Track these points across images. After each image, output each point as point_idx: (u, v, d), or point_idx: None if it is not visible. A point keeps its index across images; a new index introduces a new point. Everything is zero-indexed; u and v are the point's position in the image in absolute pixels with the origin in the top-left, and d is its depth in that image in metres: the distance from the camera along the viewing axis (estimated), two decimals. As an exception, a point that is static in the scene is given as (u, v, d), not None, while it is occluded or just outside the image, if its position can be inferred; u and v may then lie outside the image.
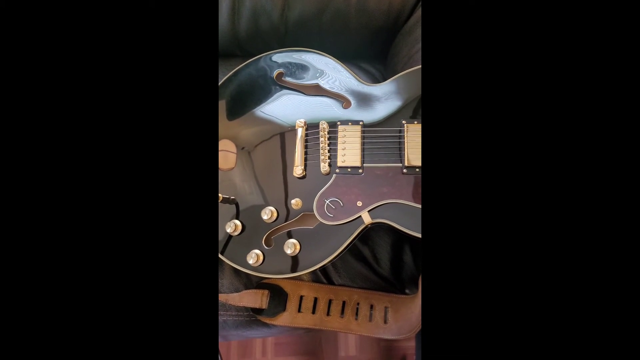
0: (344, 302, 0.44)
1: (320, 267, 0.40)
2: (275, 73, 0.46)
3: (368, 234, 0.47)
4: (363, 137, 0.42)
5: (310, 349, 0.78)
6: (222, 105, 0.46)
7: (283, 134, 0.44)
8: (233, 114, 0.46)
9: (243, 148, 0.44)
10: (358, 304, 0.44)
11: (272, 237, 0.41)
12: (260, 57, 0.47)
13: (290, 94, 0.45)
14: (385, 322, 0.44)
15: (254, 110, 0.45)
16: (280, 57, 0.47)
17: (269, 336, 0.71)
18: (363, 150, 0.41)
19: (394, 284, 0.47)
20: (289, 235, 0.41)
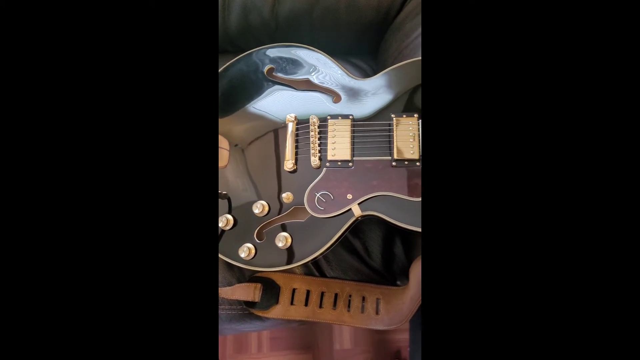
0: (336, 295, 0.45)
1: (312, 260, 0.40)
2: (266, 68, 0.46)
3: (359, 227, 0.48)
4: (353, 131, 0.42)
5: (306, 343, 0.78)
6: None
7: (276, 130, 0.44)
8: (225, 110, 0.46)
9: (236, 145, 0.44)
10: (350, 296, 0.45)
11: (263, 230, 0.41)
12: (251, 53, 0.47)
13: (281, 89, 0.45)
14: (377, 313, 0.44)
15: (246, 106, 0.45)
16: (271, 52, 0.47)
17: (262, 330, 0.72)
18: (353, 144, 0.42)
19: (385, 275, 0.48)
20: (281, 228, 0.41)
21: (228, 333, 0.56)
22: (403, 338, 0.76)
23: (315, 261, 0.46)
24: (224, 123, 0.45)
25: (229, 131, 0.45)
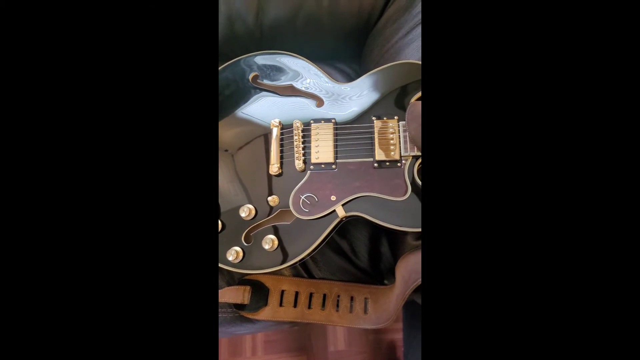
0: (324, 295, 0.46)
1: (299, 261, 0.41)
2: (251, 75, 0.47)
3: (346, 228, 0.49)
4: (335, 134, 0.43)
5: (300, 345, 0.79)
6: None
7: (265, 135, 0.45)
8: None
9: (226, 150, 0.45)
10: (339, 296, 0.46)
11: (251, 234, 0.42)
12: (237, 61, 0.49)
13: (266, 95, 0.47)
14: (365, 312, 0.45)
15: (234, 112, 0.47)
16: (256, 60, 0.48)
17: (254, 332, 0.72)
18: (336, 146, 0.43)
19: (372, 275, 0.48)
20: (267, 231, 0.42)
21: (220, 336, 0.56)
22: (397, 338, 0.77)
23: (303, 262, 0.47)
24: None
25: (219, 137, 0.46)
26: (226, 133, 0.46)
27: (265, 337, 0.79)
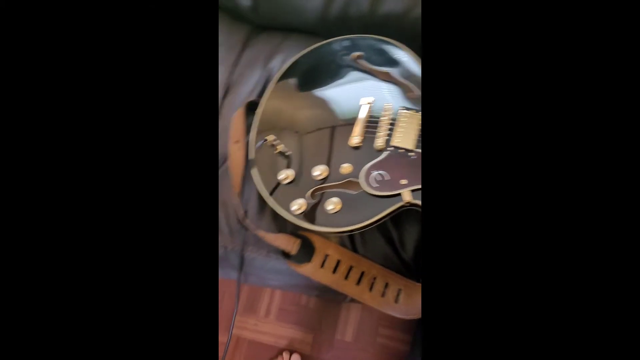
0: (362, 272, 0.47)
1: (351, 232, 0.43)
2: (354, 54, 0.51)
3: (400, 218, 0.50)
4: (420, 125, 0.45)
5: (311, 324, 0.81)
6: (298, 76, 0.51)
7: (334, 127, 0.47)
8: (303, 86, 0.50)
9: (296, 132, 0.48)
10: (375, 278, 0.47)
11: (317, 192, 0.45)
12: (345, 38, 0.52)
13: (362, 76, 0.49)
14: (396, 301, 0.46)
15: (326, 86, 0.50)
16: (361, 41, 0.51)
17: (285, 288, 0.75)
18: (418, 136, 0.45)
19: (413, 270, 0.50)
20: (333, 194, 0.44)
21: (251, 281, 0.59)
22: (404, 350, 0.77)
23: (351, 236, 0.49)
24: (301, 97, 0.50)
25: (294, 115, 0.48)
26: (301, 112, 0.49)
27: (281, 304, 0.82)
